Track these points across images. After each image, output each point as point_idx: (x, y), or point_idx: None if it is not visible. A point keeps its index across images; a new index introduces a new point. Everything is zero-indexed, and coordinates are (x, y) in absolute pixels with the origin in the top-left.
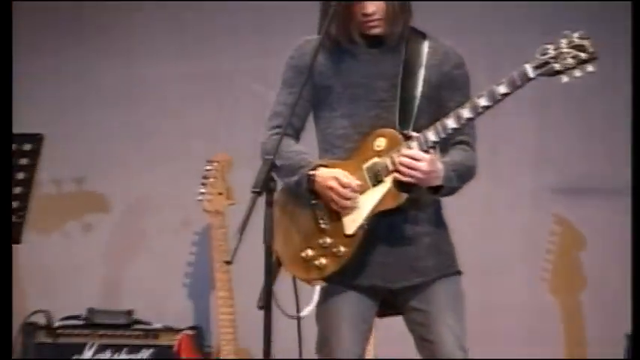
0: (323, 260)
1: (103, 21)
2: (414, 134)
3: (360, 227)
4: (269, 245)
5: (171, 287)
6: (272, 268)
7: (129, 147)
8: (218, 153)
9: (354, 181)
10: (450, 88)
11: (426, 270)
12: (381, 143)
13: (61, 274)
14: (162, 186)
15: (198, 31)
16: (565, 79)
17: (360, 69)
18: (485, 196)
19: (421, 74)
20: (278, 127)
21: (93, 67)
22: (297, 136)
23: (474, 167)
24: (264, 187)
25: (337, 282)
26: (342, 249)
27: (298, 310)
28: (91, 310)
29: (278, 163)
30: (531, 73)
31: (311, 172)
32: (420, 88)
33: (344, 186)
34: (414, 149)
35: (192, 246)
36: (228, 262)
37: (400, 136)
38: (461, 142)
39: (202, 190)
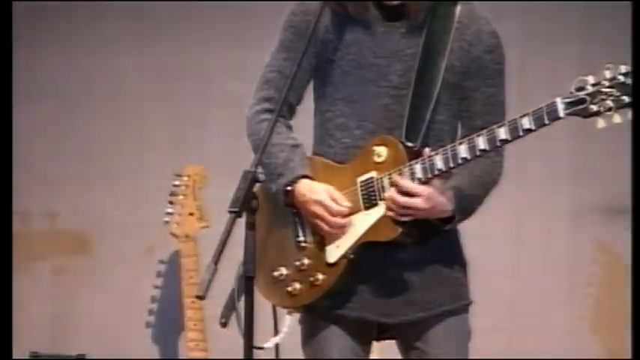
0: (297, 285)
1: (39, 7)
2: (426, 151)
3: (344, 256)
4: (250, 277)
5: (131, 327)
6: (251, 296)
7: (75, 160)
8: (187, 165)
9: (343, 204)
10: (477, 77)
11: (426, 303)
12: (382, 153)
13: None
14: (119, 206)
15: (158, 16)
16: (601, 123)
17: (373, 45)
18: (513, 219)
19: (444, 59)
20: (267, 99)
21: (26, 60)
22: (290, 113)
23: (496, 181)
24: (245, 206)
25: (318, 311)
26: (320, 277)
27: (277, 331)
28: (34, 355)
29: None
30: (561, 112)
31: (289, 187)
32: (441, 77)
33: (331, 213)
34: (406, 181)
35: (156, 278)
36: (201, 297)
37: (404, 151)
38: None
39: (169, 211)
